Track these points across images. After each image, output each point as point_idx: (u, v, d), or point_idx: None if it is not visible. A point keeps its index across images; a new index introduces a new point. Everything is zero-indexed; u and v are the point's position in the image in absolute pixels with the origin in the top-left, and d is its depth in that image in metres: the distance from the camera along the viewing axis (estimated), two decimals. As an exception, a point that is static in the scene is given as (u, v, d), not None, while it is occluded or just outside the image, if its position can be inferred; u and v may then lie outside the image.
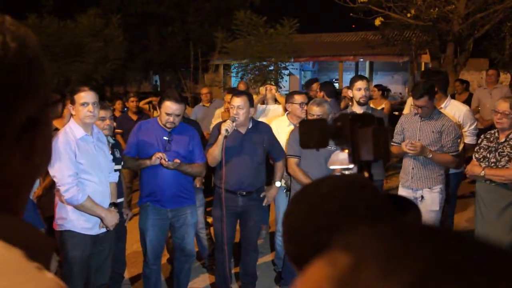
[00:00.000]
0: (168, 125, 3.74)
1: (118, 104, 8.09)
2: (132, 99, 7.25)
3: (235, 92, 4.37)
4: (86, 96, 3.28)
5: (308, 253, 0.71)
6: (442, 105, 4.77)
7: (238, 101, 3.92)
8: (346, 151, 1.17)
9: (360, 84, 4.40)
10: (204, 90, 7.57)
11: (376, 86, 8.74)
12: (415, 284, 0.35)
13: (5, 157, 0.60)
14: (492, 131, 3.97)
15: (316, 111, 4.06)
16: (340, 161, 1.19)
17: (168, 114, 3.70)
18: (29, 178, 0.65)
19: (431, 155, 4.00)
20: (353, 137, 1.12)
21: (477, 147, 4.01)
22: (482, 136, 4.08)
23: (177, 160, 3.70)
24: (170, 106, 3.68)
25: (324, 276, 0.39)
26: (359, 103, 4.38)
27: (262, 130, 4.09)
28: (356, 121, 1.13)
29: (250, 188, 4.03)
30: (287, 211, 0.89)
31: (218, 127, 4.07)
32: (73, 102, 3.29)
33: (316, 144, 1.25)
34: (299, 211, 0.86)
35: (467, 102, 7.20)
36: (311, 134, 1.24)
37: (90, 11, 16.91)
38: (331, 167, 1.20)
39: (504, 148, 3.77)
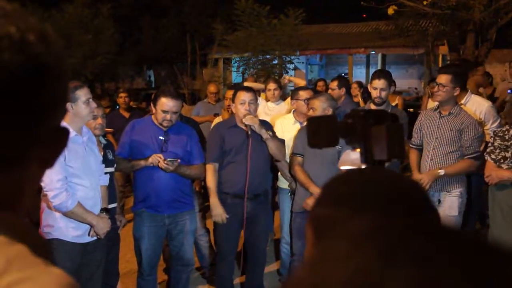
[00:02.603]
0: (164, 124, 3.76)
1: (104, 101, 8.09)
2: (121, 94, 7.23)
3: (244, 87, 4.37)
4: (87, 93, 3.33)
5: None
6: (463, 101, 4.76)
7: (249, 95, 3.94)
8: (358, 150, 1.18)
9: (376, 83, 4.42)
10: (212, 89, 7.33)
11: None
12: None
13: (28, 161, 0.65)
14: (504, 128, 3.94)
15: (318, 105, 4.07)
16: (351, 161, 1.20)
17: (164, 112, 3.71)
18: (38, 181, 0.72)
19: (443, 173, 3.99)
20: (365, 135, 1.13)
21: (491, 148, 3.94)
22: (492, 135, 4.06)
23: (178, 160, 3.71)
24: (167, 103, 3.70)
25: None
26: (373, 103, 4.41)
27: (268, 128, 4.10)
28: (368, 118, 1.14)
29: (258, 190, 4.05)
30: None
31: (219, 128, 4.11)
32: (73, 100, 3.27)
33: (325, 142, 1.26)
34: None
35: (492, 97, 7.18)
36: (320, 132, 1.25)
37: (77, 0, 16.95)
38: (342, 167, 1.21)
39: None
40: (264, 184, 4.13)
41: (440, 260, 0.40)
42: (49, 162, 0.69)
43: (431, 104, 5.32)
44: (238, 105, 3.95)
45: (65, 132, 0.69)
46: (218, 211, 3.94)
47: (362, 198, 0.86)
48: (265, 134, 3.93)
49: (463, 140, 4.02)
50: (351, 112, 1.21)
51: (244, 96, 3.93)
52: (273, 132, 4.13)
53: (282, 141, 4.18)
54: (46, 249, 0.66)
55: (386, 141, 1.07)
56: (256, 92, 4.13)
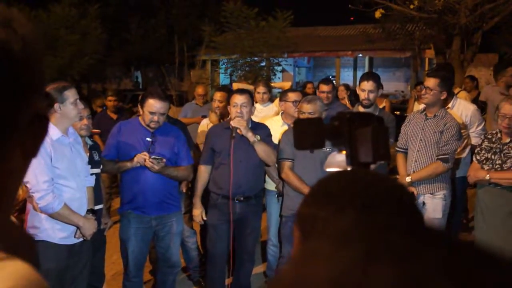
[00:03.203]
0: (152, 125, 3.75)
1: (100, 101, 8.05)
2: (110, 98, 7.23)
3: (237, 89, 4.38)
4: (75, 94, 3.31)
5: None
6: (450, 105, 4.82)
7: (241, 98, 3.94)
8: (344, 152, 1.19)
9: (364, 85, 4.44)
10: (200, 90, 7.30)
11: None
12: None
13: (10, 152, 0.64)
14: (493, 131, 4.01)
15: (307, 108, 4.03)
16: (337, 163, 1.21)
17: (152, 113, 3.71)
18: (22, 175, 0.69)
19: (410, 180, 4.05)
20: (351, 138, 1.14)
21: (478, 149, 4.04)
22: (482, 137, 4.13)
23: (164, 160, 3.71)
24: (154, 104, 3.70)
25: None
26: (361, 105, 4.43)
27: (261, 131, 4.10)
28: (354, 120, 1.15)
29: (248, 193, 4.05)
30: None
31: (212, 130, 4.12)
32: (61, 100, 3.25)
33: (311, 145, 1.27)
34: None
35: (476, 100, 7.27)
36: (306, 134, 1.26)
37: (65, 0, 16.84)
38: (328, 169, 1.22)
39: (510, 149, 3.82)
40: (256, 187, 4.13)
41: (423, 259, 0.41)
42: (31, 152, 0.67)
43: (417, 107, 5.39)
44: (231, 108, 3.98)
45: (45, 119, 0.68)
46: (197, 212, 4.14)
47: (345, 198, 0.87)
48: (251, 137, 3.92)
49: (441, 140, 4.06)
50: (337, 115, 1.22)
51: (236, 99, 3.95)
52: (269, 136, 4.14)
53: (274, 146, 4.17)
54: (34, 248, 0.65)
55: (371, 143, 1.08)
56: (251, 95, 4.12)
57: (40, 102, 0.67)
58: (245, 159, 3.98)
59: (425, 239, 0.45)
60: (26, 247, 0.63)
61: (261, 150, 3.97)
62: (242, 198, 4.02)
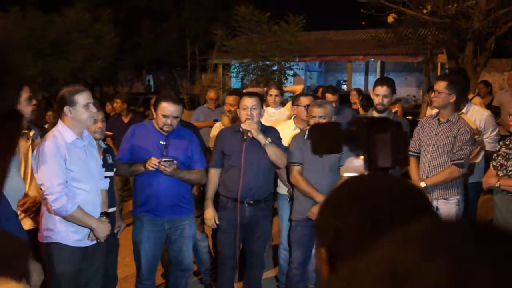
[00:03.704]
0: (165, 128, 3.77)
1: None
2: (117, 100, 7.32)
3: (246, 92, 4.40)
4: (89, 97, 3.33)
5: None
6: (464, 110, 4.79)
7: (251, 101, 3.95)
8: (362, 157, 1.19)
9: (378, 90, 4.44)
10: (212, 94, 7.31)
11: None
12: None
13: None
14: None
15: (318, 112, 4.03)
16: (355, 168, 1.22)
17: (165, 116, 3.73)
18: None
19: (424, 185, 4.02)
20: (369, 143, 1.14)
21: (495, 154, 4.01)
22: (501, 143, 4.10)
23: (175, 162, 3.72)
24: (168, 108, 3.71)
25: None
26: (375, 110, 4.42)
27: (270, 134, 4.10)
28: (372, 125, 1.15)
29: (258, 197, 4.05)
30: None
31: (223, 133, 4.13)
32: (71, 104, 3.27)
33: (329, 149, 1.27)
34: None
35: (490, 106, 7.22)
36: (323, 139, 1.26)
37: (78, 4, 17.00)
38: (345, 174, 1.23)
39: None
40: (266, 191, 4.12)
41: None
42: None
43: (430, 112, 5.35)
44: (241, 111, 3.99)
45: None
46: (209, 215, 4.11)
47: (349, 203, 0.89)
48: (262, 139, 3.92)
49: (455, 145, 4.05)
50: (355, 120, 1.22)
51: (246, 101, 3.95)
52: (279, 139, 4.13)
53: (285, 148, 4.17)
54: (25, 253, 0.63)
55: (390, 149, 1.09)
56: (261, 98, 4.13)
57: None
58: (256, 162, 3.98)
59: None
60: (21, 255, 0.61)
61: (272, 152, 3.97)
62: (252, 202, 4.02)
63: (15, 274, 0.55)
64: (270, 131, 4.11)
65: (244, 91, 7.26)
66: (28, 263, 0.60)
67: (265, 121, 5.21)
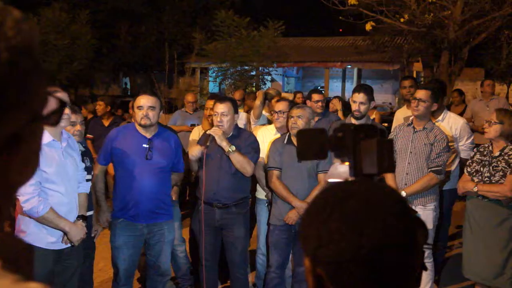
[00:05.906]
0: (142, 122, 3.69)
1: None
2: (99, 102, 7.20)
3: (219, 97, 4.39)
4: (65, 98, 3.28)
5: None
6: (440, 117, 4.87)
7: (222, 107, 3.94)
8: (347, 163, 1.20)
9: (356, 96, 4.46)
10: (190, 98, 7.26)
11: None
12: None
13: None
14: (486, 145, 4.07)
15: (296, 112, 4.10)
16: (339, 174, 1.22)
17: (140, 108, 3.68)
18: (4, 195, 0.63)
19: (404, 194, 4.05)
20: (355, 149, 1.15)
21: (469, 161, 4.11)
22: (475, 150, 4.20)
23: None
24: (140, 99, 3.70)
25: None
26: (353, 116, 4.46)
27: (244, 138, 4.09)
28: (358, 132, 1.16)
29: (226, 201, 4.04)
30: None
31: (196, 138, 4.13)
32: None
33: (314, 155, 1.28)
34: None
35: (463, 114, 7.37)
36: (309, 145, 1.27)
37: (55, 4, 16.77)
38: (330, 180, 1.23)
39: (499, 162, 3.88)
40: (233, 196, 4.06)
41: None
42: (5, 175, 0.59)
43: (403, 113, 5.38)
44: (213, 116, 4.03)
45: (24, 142, 0.60)
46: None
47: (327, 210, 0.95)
48: (226, 147, 3.89)
49: (432, 152, 4.11)
50: (341, 126, 1.23)
51: (216, 108, 3.98)
52: (251, 145, 4.06)
53: (255, 157, 4.10)
54: (30, 254, 0.63)
55: (376, 155, 1.09)
56: (234, 104, 4.12)
57: (21, 121, 0.58)
58: (217, 168, 3.99)
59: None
60: (25, 257, 0.60)
61: (236, 161, 3.93)
62: (220, 205, 4.03)
63: (20, 276, 0.54)
64: (244, 137, 4.10)
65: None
66: (32, 265, 0.59)
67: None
